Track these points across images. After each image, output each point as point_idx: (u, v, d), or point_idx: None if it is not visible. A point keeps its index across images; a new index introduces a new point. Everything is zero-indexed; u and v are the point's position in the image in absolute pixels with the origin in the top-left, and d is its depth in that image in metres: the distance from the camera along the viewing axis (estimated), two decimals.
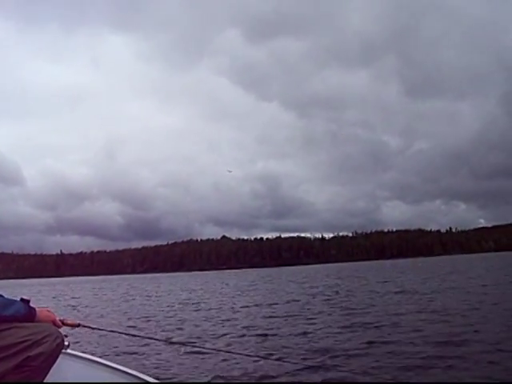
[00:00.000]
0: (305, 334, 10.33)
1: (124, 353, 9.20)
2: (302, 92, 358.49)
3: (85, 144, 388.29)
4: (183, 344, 9.86)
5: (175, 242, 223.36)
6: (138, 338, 8.91)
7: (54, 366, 2.51)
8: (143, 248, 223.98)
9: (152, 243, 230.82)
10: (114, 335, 9.92)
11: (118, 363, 3.17)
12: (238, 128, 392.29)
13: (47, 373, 2.48)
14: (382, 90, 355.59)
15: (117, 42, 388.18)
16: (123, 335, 6.90)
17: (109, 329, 3.92)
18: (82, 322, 3.06)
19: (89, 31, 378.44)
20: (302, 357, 7.85)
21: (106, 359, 3.28)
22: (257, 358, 7.40)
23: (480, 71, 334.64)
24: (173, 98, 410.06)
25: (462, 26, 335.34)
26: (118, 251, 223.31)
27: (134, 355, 8.89)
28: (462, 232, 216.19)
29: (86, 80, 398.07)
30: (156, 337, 10.82)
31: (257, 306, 17.83)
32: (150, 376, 2.98)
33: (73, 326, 2.96)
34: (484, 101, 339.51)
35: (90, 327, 3.20)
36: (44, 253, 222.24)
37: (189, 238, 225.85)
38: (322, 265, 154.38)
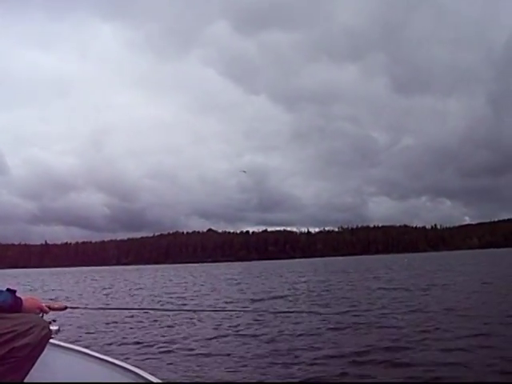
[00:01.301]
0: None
1: (108, 323, 11.39)
2: (291, 85, 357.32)
3: (71, 133, 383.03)
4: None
5: (161, 234, 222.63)
6: (120, 310, 11.56)
7: (41, 356, 2.50)
8: (129, 239, 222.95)
9: (138, 235, 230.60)
10: (100, 312, 12.23)
11: (106, 354, 3.15)
12: (226, 120, 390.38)
13: (33, 364, 2.47)
14: (370, 86, 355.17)
15: (105, 30, 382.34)
16: (108, 310, 7.96)
17: (95, 307, 3.90)
18: (68, 304, 3.07)
19: (76, 19, 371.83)
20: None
21: (92, 350, 3.23)
22: None
23: (468, 69, 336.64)
24: (160, 89, 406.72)
25: (451, 23, 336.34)
26: (103, 242, 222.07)
27: (116, 324, 11.30)
28: (447, 229, 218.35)
29: (73, 68, 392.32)
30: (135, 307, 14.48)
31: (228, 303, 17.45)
32: (139, 368, 2.93)
33: (60, 309, 2.94)
34: (471, 99, 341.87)
35: (77, 307, 3.39)
36: (28, 243, 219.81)
37: (175, 230, 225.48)
38: (307, 259, 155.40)
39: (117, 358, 3.09)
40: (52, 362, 2.91)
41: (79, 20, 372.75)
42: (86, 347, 3.30)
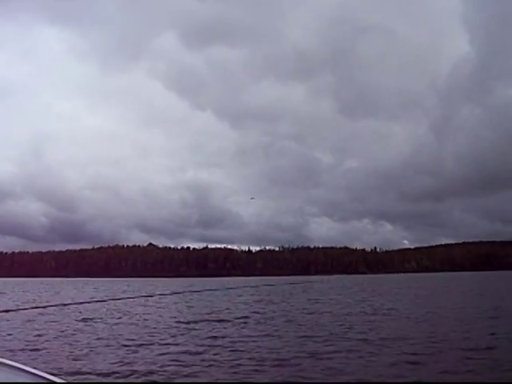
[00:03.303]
0: None
1: None
2: (237, 102, 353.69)
3: (10, 140, 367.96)
4: None
5: (101, 247, 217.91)
6: None
7: None
8: (67, 251, 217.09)
9: (77, 246, 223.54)
10: None
11: (16, 361, 3.09)
12: (170, 135, 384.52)
13: None
14: (316, 106, 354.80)
15: (50, 35, 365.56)
16: None
17: None
18: None
19: (19, 21, 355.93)
20: None
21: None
22: None
23: (413, 95, 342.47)
24: (105, 99, 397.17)
25: (400, 49, 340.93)
26: (40, 253, 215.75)
27: None
28: (386, 252, 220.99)
29: (14, 72, 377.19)
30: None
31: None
32: (51, 374, 2.91)
33: None
34: (415, 125, 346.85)
35: None
36: None
37: (115, 244, 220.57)
38: (247, 277, 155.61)
39: (30, 367, 2.97)
40: None
41: (22, 23, 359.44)
42: None
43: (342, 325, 17.00)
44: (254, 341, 13.35)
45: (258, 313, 22.12)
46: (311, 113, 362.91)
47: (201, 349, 12.03)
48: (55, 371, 6.98)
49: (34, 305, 20.80)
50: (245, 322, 18.29)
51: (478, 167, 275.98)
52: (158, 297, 29.08)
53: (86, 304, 20.40)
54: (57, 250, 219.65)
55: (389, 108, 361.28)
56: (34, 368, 2.91)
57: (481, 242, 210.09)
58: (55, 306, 19.30)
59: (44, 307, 18.04)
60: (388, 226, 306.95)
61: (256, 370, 9.60)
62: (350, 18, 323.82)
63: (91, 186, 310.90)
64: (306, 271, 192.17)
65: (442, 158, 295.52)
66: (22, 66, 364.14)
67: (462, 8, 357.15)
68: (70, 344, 12.61)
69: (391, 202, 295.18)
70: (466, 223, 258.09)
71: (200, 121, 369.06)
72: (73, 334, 14.75)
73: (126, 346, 12.37)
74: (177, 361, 10.60)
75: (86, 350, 11.71)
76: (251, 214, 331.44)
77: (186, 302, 30.47)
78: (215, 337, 13.97)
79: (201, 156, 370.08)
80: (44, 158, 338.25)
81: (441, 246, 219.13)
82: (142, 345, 12.66)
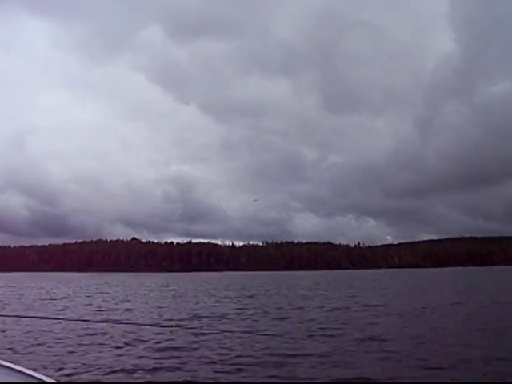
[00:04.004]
0: None
1: None
2: (222, 97, 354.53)
3: None
4: None
5: (84, 241, 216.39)
6: None
7: None
8: (50, 245, 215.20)
9: (60, 241, 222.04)
10: None
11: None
12: (154, 128, 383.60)
13: None
14: (301, 102, 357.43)
15: (33, 26, 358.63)
16: None
17: None
18: None
19: (1, 12, 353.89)
20: None
21: None
22: None
23: (398, 92, 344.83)
24: (88, 92, 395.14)
25: (385, 46, 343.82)
26: (23, 247, 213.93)
27: None
28: (370, 248, 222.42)
29: None
30: None
31: None
32: (30, 369, 2.92)
33: None
34: (399, 121, 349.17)
35: None
36: None
37: (98, 238, 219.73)
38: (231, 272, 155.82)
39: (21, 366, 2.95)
40: None
41: (4, 14, 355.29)
42: None
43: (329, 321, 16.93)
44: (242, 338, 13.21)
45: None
46: (296, 108, 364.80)
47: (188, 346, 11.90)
48: None
49: None
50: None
51: (462, 164, 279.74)
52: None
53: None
54: (39, 244, 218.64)
55: (373, 104, 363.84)
56: (24, 367, 2.85)
57: (463, 238, 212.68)
58: None
59: None
60: (371, 222, 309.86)
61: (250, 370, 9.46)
62: (336, 14, 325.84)
63: (74, 179, 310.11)
64: (289, 266, 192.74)
65: (426, 155, 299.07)
66: (4, 58, 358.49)
67: (447, 5, 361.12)
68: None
69: (375, 197, 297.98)
70: (449, 219, 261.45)
71: (184, 115, 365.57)
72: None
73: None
74: (166, 358, 10.44)
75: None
76: (235, 208, 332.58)
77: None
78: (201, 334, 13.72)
79: (185, 150, 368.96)
80: (26, 151, 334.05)
81: (424, 241, 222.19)
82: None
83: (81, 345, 12.19)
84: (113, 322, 16.75)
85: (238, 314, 19.92)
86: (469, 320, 17.01)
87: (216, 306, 24.52)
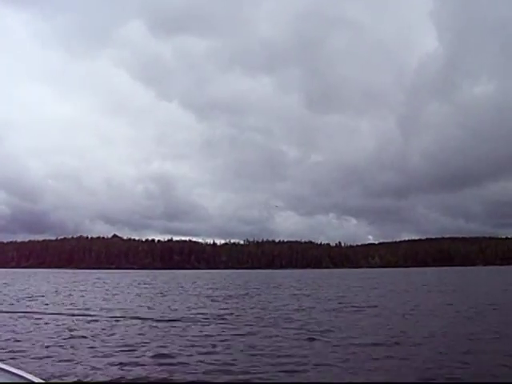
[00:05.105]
0: None
1: None
2: (204, 94, 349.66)
3: None
4: None
5: (64, 238, 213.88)
6: None
7: None
8: (30, 242, 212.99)
9: (40, 237, 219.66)
10: None
11: None
12: (135, 125, 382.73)
13: None
14: (283, 100, 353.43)
15: (12, 19, 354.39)
16: None
17: None
18: None
19: None
20: None
21: None
22: None
23: (380, 91, 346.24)
24: (69, 87, 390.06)
25: (368, 45, 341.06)
26: (1, 243, 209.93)
27: None
28: (351, 247, 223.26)
29: None
30: None
31: None
32: (17, 368, 2.90)
33: None
34: (382, 121, 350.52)
35: None
36: None
37: (78, 235, 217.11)
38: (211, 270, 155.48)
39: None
40: None
41: None
42: None
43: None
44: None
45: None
46: (278, 106, 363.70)
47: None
48: None
49: None
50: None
51: (443, 164, 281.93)
52: None
53: None
54: (19, 240, 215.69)
55: (355, 103, 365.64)
56: (13, 367, 2.82)
57: (443, 239, 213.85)
58: None
59: None
60: (353, 221, 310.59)
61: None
62: (320, 12, 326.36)
63: (54, 175, 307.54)
64: (270, 265, 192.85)
65: (408, 155, 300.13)
66: None
67: (431, 4, 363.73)
68: None
69: (356, 197, 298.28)
70: (430, 219, 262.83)
71: (166, 111, 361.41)
72: None
73: None
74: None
75: None
76: (216, 206, 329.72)
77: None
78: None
79: (166, 147, 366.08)
80: (5, 147, 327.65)
81: (404, 241, 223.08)
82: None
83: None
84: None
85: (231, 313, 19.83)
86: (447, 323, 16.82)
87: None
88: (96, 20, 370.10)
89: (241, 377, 8.61)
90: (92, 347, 11.39)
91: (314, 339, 12.66)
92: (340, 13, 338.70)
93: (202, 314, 18.80)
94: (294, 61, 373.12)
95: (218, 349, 11.34)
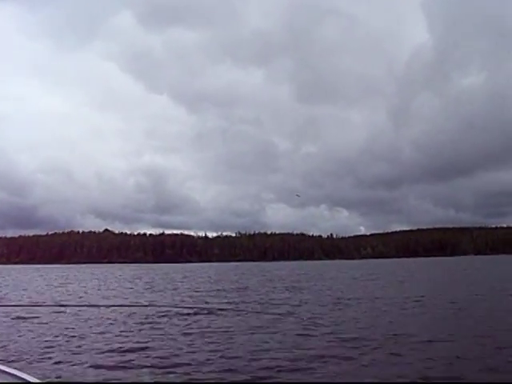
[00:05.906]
0: None
1: None
2: (194, 86, 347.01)
3: None
4: None
5: (55, 233, 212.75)
6: None
7: None
8: (20, 237, 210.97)
9: (30, 232, 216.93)
10: None
11: None
12: (126, 118, 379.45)
13: None
14: (274, 91, 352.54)
15: None
16: None
17: None
18: None
19: None
20: None
21: None
22: None
23: (372, 82, 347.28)
24: (58, 80, 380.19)
25: (359, 36, 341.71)
26: None
27: None
28: (343, 238, 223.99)
29: None
30: None
31: None
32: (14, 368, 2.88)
33: None
34: (373, 112, 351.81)
35: None
36: None
37: (69, 229, 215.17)
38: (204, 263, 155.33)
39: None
40: None
41: None
42: None
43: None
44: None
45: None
46: (269, 97, 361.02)
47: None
48: None
49: None
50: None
51: (434, 155, 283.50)
52: None
53: None
54: (9, 236, 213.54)
55: (347, 94, 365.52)
56: (6, 366, 2.79)
57: (435, 229, 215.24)
58: None
59: None
60: (344, 213, 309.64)
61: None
62: (310, 2, 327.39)
63: (44, 169, 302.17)
64: (262, 257, 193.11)
65: (399, 146, 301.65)
66: None
67: None
68: None
69: (348, 188, 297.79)
70: (421, 210, 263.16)
71: (156, 104, 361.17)
72: None
73: None
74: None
75: None
76: (208, 199, 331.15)
77: None
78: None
79: (157, 140, 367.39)
80: None
81: (396, 232, 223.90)
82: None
83: None
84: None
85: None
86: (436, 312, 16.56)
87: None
88: (84, 11, 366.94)
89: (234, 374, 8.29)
90: (88, 344, 11.02)
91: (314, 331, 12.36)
92: (331, 4, 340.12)
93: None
94: (285, 52, 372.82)
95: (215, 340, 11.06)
